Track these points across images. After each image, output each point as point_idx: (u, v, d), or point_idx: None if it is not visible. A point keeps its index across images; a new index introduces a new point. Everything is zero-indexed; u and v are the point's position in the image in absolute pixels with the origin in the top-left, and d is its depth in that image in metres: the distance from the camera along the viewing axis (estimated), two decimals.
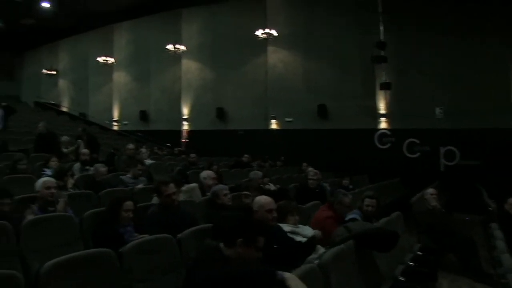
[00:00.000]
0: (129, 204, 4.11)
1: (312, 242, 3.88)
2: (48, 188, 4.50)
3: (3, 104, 11.05)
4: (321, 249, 3.97)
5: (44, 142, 10.33)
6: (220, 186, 5.47)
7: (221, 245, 2.73)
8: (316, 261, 3.31)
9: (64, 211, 4.39)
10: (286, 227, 4.15)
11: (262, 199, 4.06)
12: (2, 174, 6.72)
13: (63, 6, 19.41)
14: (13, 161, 6.96)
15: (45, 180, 4.61)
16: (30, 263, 3.54)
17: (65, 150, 9.77)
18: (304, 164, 12.93)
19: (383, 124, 15.18)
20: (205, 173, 6.61)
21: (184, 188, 6.03)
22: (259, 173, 8.01)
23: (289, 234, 4.07)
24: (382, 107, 15.13)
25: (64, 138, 10.49)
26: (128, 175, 7.21)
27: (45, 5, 19.36)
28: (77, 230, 4.14)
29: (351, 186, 9.80)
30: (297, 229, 4.24)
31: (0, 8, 19.59)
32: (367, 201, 5.54)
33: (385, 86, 14.52)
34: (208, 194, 5.60)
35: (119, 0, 18.68)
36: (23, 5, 19.32)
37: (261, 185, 7.40)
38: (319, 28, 16.13)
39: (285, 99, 16.75)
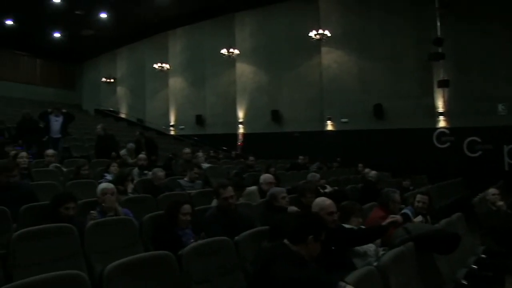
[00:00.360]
0: (186, 207, 4.16)
1: (388, 227, 3.90)
2: (105, 194, 4.64)
3: (64, 111, 11.41)
4: (379, 251, 3.90)
5: (103, 143, 10.76)
6: (278, 189, 5.42)
7: (286, 242, 2.89)
8: (375, 263, 3.25)
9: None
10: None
11: (322, 201, 4.02)
12: (67, 180, 6.99)
13: (120, 16, 20.07)
14: (76, 167, 7.20)
15: (103, 187, 4.75)
16: (94, 264, 3.66)
17: (130, 161, 10.00)
18: (360, 165, 12.74)
19: (441, 122, 14.72)
20: (262, 178, 6.61)
21: (245, 192, 6.08)
22: (317, 175, 7.96)
23: None
24: (440, 105, 14.67)
25: (130, 145, 10.75)
26: (185, 179, 7.31)
27: (103, 16, 20.10)
28: (137, 233, 4.23)
29: (411, 187, 9.53)
30: None
31: (62, 21, 20.49)
32: (419, 197, 5.57)
33: (443, 84, 14.08)
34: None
35: (173, 7, 19.05)
36: (82, 17, 20.14)
37: (319, 187, 7.32)
38: (373, 26, 15.86)
39: (340, 99, 16.58)
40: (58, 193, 4.76)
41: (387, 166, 13.11)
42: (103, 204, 4.54)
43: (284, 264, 2.69)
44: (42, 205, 4.56)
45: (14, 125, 11.63)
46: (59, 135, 10.82)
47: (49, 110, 11.11)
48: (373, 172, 9.23)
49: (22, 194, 4.86)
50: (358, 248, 3.96)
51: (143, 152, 10.08)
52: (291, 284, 2.57)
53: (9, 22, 21.00)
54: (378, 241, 4.21)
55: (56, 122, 10.81)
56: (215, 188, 4.77)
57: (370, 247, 4.02)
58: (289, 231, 2.97)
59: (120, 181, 5.98)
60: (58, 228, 3.75)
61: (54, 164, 8.08)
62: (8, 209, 4.29)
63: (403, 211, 5.29)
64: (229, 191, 4.57)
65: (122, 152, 10.55)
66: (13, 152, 8.00)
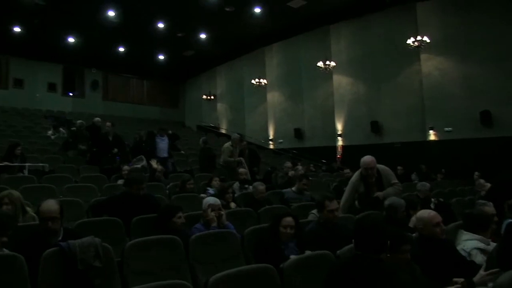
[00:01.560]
0: (288, 220, 4.12)
1: None
2: (209, 208, 4.79)
3: (169, 132, 11.93)
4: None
5: (203, 157, 11.23)
6: (399, 201, 5.08)
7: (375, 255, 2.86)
8: (490, 285, 3.05)
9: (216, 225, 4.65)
10: (478, 244, 3.78)
11: (426, 213, 3.86)
12: (172, 193, 7.33)
13: (218, 35, 20.83)
14: (182, 181, 7.50)
15: (211, 202, 4.90)
16: (198, 275, 3.80)
17: (230, 158, 10.29)
18: (477, 173, 12.04)
19: None
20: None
21: None
22: (427, 185, 7.67)
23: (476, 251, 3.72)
24: None
25: (234, 135, 11.03)
26: (292, 189, 7.32)
27: (202, 36, 20.99)
28: (238, 246, 4.31)
29: None
30: (487, 247, 3.74)
31: (165, 44, 21.74)
32: None
33: None
34: None
35: (268, 24, 19.40)
36: (184, 39, 21.24)
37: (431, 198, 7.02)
38: (478, 27, 14.98)
39: (443, 108, 15.84)
40: (169, 204, 5.04)
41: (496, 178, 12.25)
42: (206, 218, 4.70)
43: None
44: (151, 217, 4.82)
45: (126, 143, 12.34)
46: (166, 155, 11.14)
47: (155, 131, 11.70)
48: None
49: (150, 205, 5.24)
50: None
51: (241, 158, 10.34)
52: None
53: (121, 49, 22.85)
54: None
55: (162, 142, 11.16)
56: (319, 200, 4.73)
57: None
58: (387, 241, 2.95)
59: (221, 194, 6.18)
60: (165, 239, 3.94)
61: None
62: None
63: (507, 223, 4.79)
64: (335, 203, 4.55)
65: (226, 145, 10.92)
66: (126, 168, 8.55)
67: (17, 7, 16.51)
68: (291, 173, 9.77)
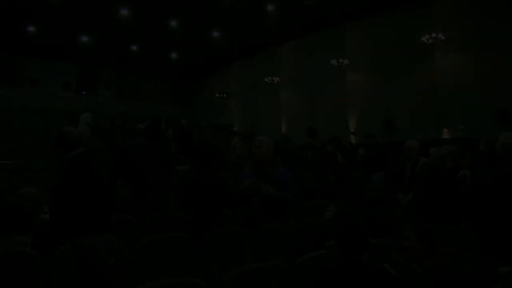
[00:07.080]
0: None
1: None
2: None
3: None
4: None
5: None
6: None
7: None
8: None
9: None
10: None
11: None
12: None
13: (231, 34, 20.84)
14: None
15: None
16: (212, 272, 3.77)
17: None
18: None
19: None
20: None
21: None
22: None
23: None
24: None
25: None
26: None
27: (216, 34, 20.98)
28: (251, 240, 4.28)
29: None
30: None
31: (179, 42, 21.86)
32: None
33: None
34: None
35: (281, 22, 19.34)
36: (197, 38, 21.28)
37: None
38: (496, 24, 14.63)
39: (457, 106, 15.65)
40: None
41: None
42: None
43: None
44: (167, 214, 4.88)
45: None
46: None
47: None
48: None
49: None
50: None
51: None
52: None
53: (134, 48, 23.14)
54: None
55: None
56: None
57: None
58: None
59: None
60: (179, 236, 3.92)
61: None
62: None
63: None
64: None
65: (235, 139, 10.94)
66: None
67: (30, 6, 16.65)
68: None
